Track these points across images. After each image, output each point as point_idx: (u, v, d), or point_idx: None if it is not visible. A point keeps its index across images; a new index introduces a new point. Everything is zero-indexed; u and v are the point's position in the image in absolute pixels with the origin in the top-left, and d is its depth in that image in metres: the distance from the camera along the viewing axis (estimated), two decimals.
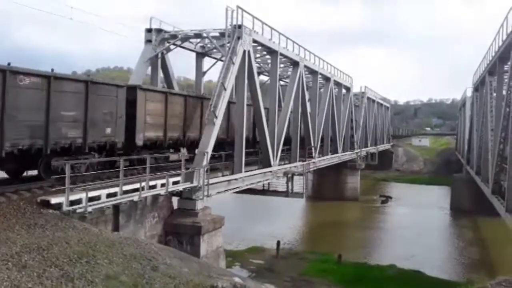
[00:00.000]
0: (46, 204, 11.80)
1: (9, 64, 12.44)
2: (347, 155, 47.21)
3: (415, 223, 40.06)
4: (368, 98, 59.30)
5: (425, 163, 79.25)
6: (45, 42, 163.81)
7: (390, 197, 53.71)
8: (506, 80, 27.38)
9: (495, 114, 29.52)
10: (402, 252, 29.99)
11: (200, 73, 28.81)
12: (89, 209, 12.40)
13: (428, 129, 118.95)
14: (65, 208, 11.89)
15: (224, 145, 23.60)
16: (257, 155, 26.01)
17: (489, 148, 29.95)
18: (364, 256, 28.88)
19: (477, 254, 31.18)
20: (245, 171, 22.52)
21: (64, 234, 10.24)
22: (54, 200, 11.89)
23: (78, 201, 12.30)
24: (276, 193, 27.59)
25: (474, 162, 39.73)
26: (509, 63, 25.10)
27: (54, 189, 12.94)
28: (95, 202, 12.81)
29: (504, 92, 27.72)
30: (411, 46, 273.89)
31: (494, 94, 31.19)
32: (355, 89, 52.75)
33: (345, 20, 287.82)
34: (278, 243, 27.69)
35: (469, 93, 54.02)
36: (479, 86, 40.37)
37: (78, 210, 12.15)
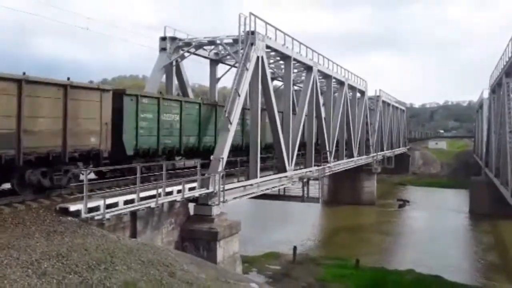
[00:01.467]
0: (65, 212, 11.96)
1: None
2: (363, 159, 46.89)
3: (433, 227, 39.57)
4: (383, 102, 58.91)
5: (442, 166, 78.32)
6: (63, 52, 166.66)
7: (408, 201, 53.16)
8: None
9: None
10: (420, 256, 29.63)
11: (214, 79, 28.97)
12: (107, 216, 12.52)
13: (442, 131, 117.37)
14: (83, 215, 12.03)
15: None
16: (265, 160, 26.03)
17: (507, 150, 29.52)
18: (382, 260, 28.59)
19: (497, 258, 30.66)
20: (260, 176, 22.54)
21: (82, 241, 10.36)
22: (72, 208, 12.05)
23: (96, 208, 12.45)
24: (291, 198, 27.51)
25: (493, 165, 39.17)
26: None
27: (72, 196, 13.11)
28: (113, 209, 12.93)
29: None
30: (425, 49, 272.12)
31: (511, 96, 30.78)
32: (370, 93, 52.48)
33: (358, 25, 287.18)
34: (295, 248, 27.59)
35: (486, 95, 53.43)
36: (496, 88, 39.85)
37: (96, 217, 12.28)
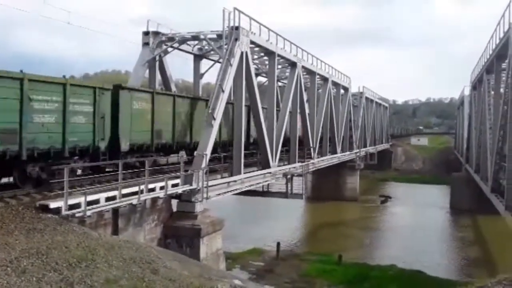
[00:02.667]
0: (45, 209, 11.77)
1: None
2: (346, 156, 47.20)
3: (415, 223, 40.08)
4: (367, 98, 59.33)
5: (424, 162, 79.33)
6: (43, 47, 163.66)
7: (390, 197, 53.74)
8: (503, 78, 27.43)
9: (493, 113, 29.53)
10: (402, 252, 29.99)
11: (197, 75, 28.82)
12: (88, 213, 12.35)
13: (421, 128, 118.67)
14: (64, 212, 11.85)
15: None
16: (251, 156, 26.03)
17: (487, 146, 29.97)
18: (365, 256, 28.86)
19: (478, 252, 31.19)
20: (244, 173, 22.50)
21: (63, 238, 10.21)
22: (53, 205, 11.86)
23: (77, 205, 12.27)
24: (275, 194, 27.56)
25: (473, 161, 39.77)
26: (506, 61, 25.11)
27: (53, 193, 12.90)
28: (94, 206, 12.77)
29: (502, 90, 27.78)
30: (409, 46, 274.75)
31: (492, 92, 31.21)
32: (354, 89, 52.87)
33: (343, 21, 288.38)
34: (278, 244, 27.67)
35: (467, 92, 54.13)
36: (477, 85, 40.42)
37: (77, 214, 12.12)
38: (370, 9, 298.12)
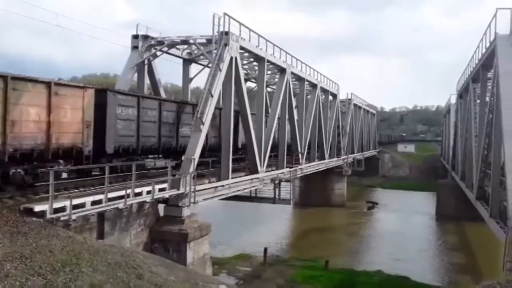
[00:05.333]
0: (29, 212, 11.59)
1: None
2: (334, 162, 47.41)
3: (401, 229, 40.32)
4: (355, 105, 59.73)
5: (411, 169, 79.92)
6: (31, 49, 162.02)
7: (377, 203, 54.01)
8: (489, 87, 27.83)
9: (478, 121, 29.93)
10: (388, 257, 30.13)
11: (187, 79, 28.77)
12: (73, 216, 12.22)
13: (403, 134, 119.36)
14: (48, 216, 11.69)
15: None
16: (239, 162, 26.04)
17: (473, 154, 30.35)
18: (351, 262, 28.93)
19: (463, 259, 31.45)
20: (232, 178, 22.47)
21: (47, 242, 10.08)
22: (37, 208, 11.69)
23: (62, 209, 12.12)
24: (263, 199, 27.55)
25: (459, 168, 40.20)
26: (492, 70, 25.50)
27: (38, 196, 12.74)
28: (79, 210, 12.63)
29: (487, 99, 28.18)
30: (397, 54, 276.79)
31: (478, 101, 31.63)
32: (342, 96, 53.21)
33: (331, 29, 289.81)
34: (266, 250, 27.62)
35: (453, 100, 54.83)
36: (463, 93, 40.96)
37: (62, 218, 11.96)
38: (358, 17, 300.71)
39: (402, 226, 42.03)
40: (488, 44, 25.41)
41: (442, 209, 47.19)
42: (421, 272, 27.00)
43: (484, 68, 28.55)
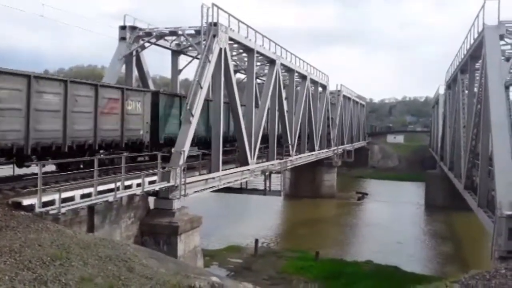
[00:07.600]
0: (18, 206, 11.46)
1: None
2: (324, 153, 47.56)
3: (391, 219, 40.66)
4: (344, 96, 59.87)
5: (400, 160, 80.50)
6: (16, 40, 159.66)
7: (366, 194, 54.42)
8: (477, 78, 28.00)
9: (467, 111, 30.16)
10: (378, 248, 30.36)
11: (176, 71, 28.59)
12: (63, 210, 12.13)
13: (391, 125, 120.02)
14: (37, 209, 11.58)
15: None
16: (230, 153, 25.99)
17: (461, 144, 30.61)
18: (341, 252, 29.14)
19: (451, 248, 31.83)
20: (222, 170, 22.44)
21: (36, 236, 9.98)
22: (26, 202, 11.57)
23: (52, 202, 12.01)
24: (254, 191, 27.59)
25: (447, 159, 40.55)
26: (480, 61, 25.65)
27: (26, 190, 12.61)
28: (69, 203, 12.54)
29: (475, 90, 28.37)
30: (386, 46, 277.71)
31: (466, 92, 31.85)
32: (331, 87, 53.24)
33: (321, 20, 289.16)
34: (256, 241, 27.69)
35: (442, 91, 55.13)
36: (451, 84, 41.19)
37: (51, 212, 11.87)
38: (347, 9, 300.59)
39: (391, 216, 42.38)
40: (476, 35, 25.53)
41: (431, 199, 47.68)
42: (411, 262, 27.29)
43: (472, 59, 28.70)
